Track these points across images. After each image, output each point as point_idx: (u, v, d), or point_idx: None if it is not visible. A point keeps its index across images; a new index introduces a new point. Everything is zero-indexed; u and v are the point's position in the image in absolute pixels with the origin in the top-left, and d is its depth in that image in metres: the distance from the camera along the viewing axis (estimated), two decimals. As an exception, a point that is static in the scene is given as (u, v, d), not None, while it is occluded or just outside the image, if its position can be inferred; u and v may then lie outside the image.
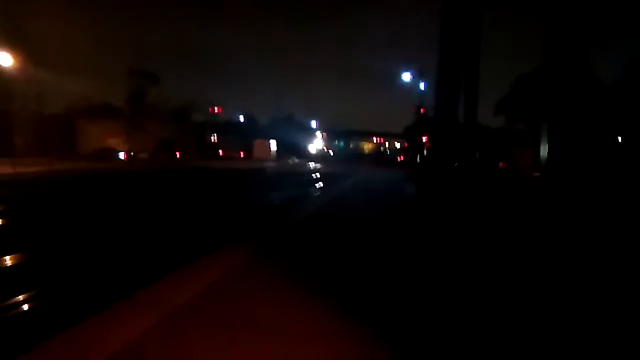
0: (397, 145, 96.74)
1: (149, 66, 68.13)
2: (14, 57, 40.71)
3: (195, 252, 6.79)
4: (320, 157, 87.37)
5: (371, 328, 3.85)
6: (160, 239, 9.28)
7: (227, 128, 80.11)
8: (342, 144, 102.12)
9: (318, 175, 33.07)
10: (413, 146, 43.64)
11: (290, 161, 71.66)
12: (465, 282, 5.41)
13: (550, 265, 6.58)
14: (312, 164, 62.21)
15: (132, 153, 55.69)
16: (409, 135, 51.47)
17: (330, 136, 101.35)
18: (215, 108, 76.11)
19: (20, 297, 5.54)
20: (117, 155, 53.52)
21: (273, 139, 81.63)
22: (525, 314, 4.35)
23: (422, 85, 35.52)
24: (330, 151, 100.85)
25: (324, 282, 5.26)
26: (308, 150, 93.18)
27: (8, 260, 7.15)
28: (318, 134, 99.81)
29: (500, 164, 35.75)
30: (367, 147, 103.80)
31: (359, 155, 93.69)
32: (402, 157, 72.35)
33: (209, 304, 4.39)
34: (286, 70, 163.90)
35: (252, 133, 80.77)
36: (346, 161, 70.00)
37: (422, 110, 37.20)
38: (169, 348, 3.42)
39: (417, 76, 36.07)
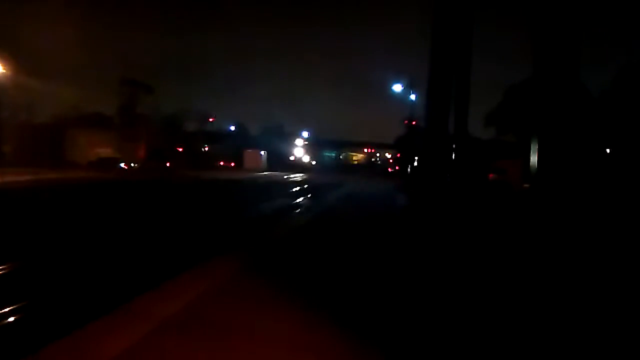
0: (388, 155, 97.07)
1: (141, 76, 67.87)
2: (3, 66, 40.44)
3: (183, 264, 6.74)
4: (300, 167, 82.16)
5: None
6: (151, 250, 9.19)
7: (218, 138, 79.90)
8: (332, 154, 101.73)
9: (301, 187, 32.68)
10: (404, 157, 43.83)
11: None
12: (457, 290, 5.40)
13: (537, 273, 6.59)
14: (291, 175, 56.88)
15: (132, 164, 55.42)
16: (400, 146, 51.72)
17: (314, 145, 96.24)
18: (207, 118, 75.98)
19: (11, 307, 5.46)
20: (119, 165, 53.15)
21: (264, 149, 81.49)
22: (510, 322, 4.35)
23: (412, 96, 35.72)
24: (313, 161, 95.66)
25: (314, 297, 5.23)
26: (288, 160, 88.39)
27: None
28: (299, 141, 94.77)
29: (490, 175, 35.89)
30: (357, 157, 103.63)
31: (349, 165, 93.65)
32: (392, 168, 72.67)
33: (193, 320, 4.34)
34: (277, 80, 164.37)
35: (243, 143, 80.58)
36: (335, 171, 69.17)
37: (413, 122, 37.39)
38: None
39: (408, 87, 36.27)
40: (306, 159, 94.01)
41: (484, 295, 5.35)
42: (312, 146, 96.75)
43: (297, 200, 22.05)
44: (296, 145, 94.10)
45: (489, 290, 5.60)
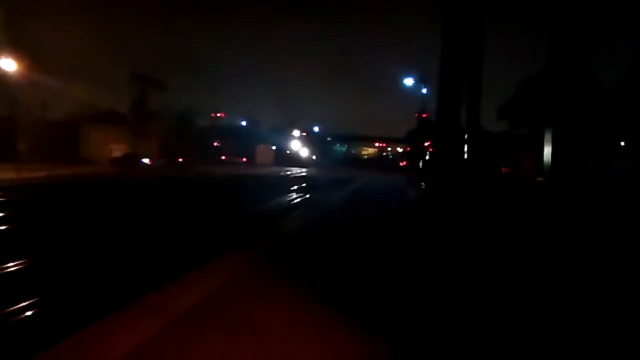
0: (400, 150, 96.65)
1: (153, 72, 68.53)
2: (17, 63, 40.82)
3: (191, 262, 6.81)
4: (298, 162, 75.56)
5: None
6: (158, 247, 9.27)
7: (229, 133, 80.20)
8: (343, 148, 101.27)
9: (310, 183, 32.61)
10: (416, 151, 43.64)
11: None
12: (473, 288, 5.40)
13: (550, 266, 6.55)
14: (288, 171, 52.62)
15: (154, 159, 56.21)
16: (412, 140, 51.49)
17: (316, 137, 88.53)
18: (218, 113, 76.29)
19: (27, 302, 5.56)
20: (142, 161, 53.78)
21: (275, 144, 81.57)
22: (522, 317, 4.33)
23: (424, 90, 35.53)
24: (313, 155, 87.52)
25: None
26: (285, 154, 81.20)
27: (15, 266, 7.18)
28: (296, 132, 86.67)
29: (503, 168, 35.67)
30: (368, 151, 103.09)
31: (360, 159, 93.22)
32: (404, 162, 72.36)
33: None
34: (288, 75, 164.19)
35: (254, 138, 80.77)
36: (345, 166, 68.88)
37: (424, 115, 37.20)
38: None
39: (419, 80, 36.08)
40: (304, 152, 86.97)
41: (493, 290, 5.34)
42: (313, 138, 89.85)
43: (307, 195, 22.08)
44: (293, 137, 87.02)
45: (498, 285, 5.58)
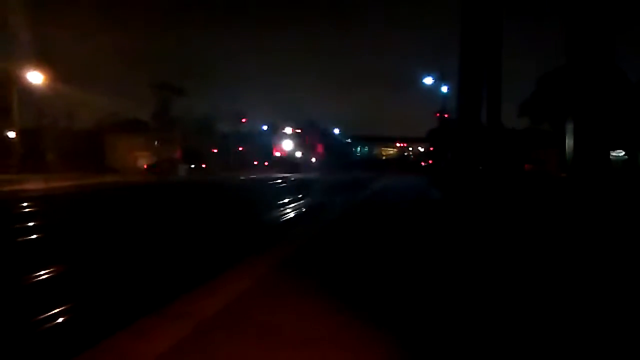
0: (421, 149, 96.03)
1: (174, 79, 69.51)
2: (44, 75, 41.85)
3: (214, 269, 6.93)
4: (290, 165, 63.94)
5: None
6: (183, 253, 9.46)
7: (251, 138, 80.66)
8: (365, 149, 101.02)
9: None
10: (437, 150, 43.34)
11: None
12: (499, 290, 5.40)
13: (571, 263, 6.50)
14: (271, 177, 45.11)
15: (192, 165, 56.91)
16: (433, 139, 51.13)
17: (317, 135, 76.64)
18: (240, 118, 76.73)
19: (58, 310, 5.76)
20: (179, 167, 54.44)
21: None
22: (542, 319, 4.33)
23: (444, 89, 35.30)
24: (313, 157, 75.36)
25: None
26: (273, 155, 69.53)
27: (47, 273, 7.44)
28: (287, 130, 74.17)
29: (526, 165, 35.20)
30: (389, 152, 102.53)
31: (380, 160, 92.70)
32: (425, 161, 71.80)
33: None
34: (307, 77, 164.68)
35: (276, 142, 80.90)
36: (362, 168, 67.73)
37: (445, 114, 36.96)
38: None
39: (439, 79, 35.86)
40: (298, 153, 74.38)
41: (516, 290, 5.34)
42: (312, 136, 76.49)
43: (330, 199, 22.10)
44: (284, 136, 74.19)
45: (521, 287, 5.57)
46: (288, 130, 74.65)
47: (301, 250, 7.91)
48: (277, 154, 73.08)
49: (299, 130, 76.03)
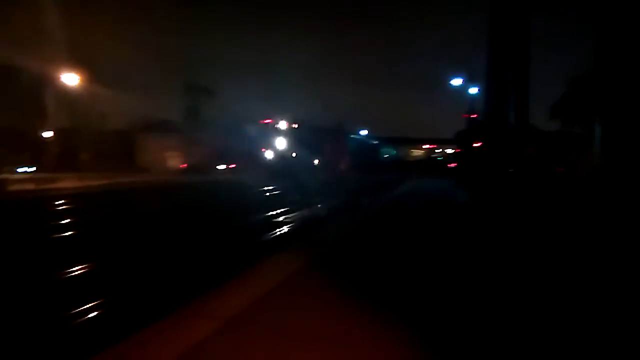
0: (448, 151, 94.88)
1: (204, 81, 70.78)
2: (79, 77, 42.97)
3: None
4: (284, 169, 51.48)
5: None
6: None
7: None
8: (393, 150, 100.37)
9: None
10: (464, 151, 42.85)
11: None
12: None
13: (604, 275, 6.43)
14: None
15: (229, 166, 57.48)
16: (460, 141, 50.53)
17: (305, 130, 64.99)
18: (266, 119, 77.26)
19: (91, 304, 6.02)
20: (217, 168, 54.94)
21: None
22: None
23: (472, 90, 34.92)
24: (315, 159, 65.96)
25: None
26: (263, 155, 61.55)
27: (81, 269, 7.76)
28: (282, 124, 63.57)
29: (557, 168, 34.51)
30: (416, 153, 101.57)
31: (406, 162, 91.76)
32: (453, 163, 70.84)
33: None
34: (335, 78, 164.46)
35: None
36: (393, 169, 67.26)
37: (473, 115, 36.52)
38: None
39: (468, 80, 35.50)
40: (293, 153, 62.90)
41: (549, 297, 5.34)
42: (300, 130, 64.68)
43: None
44: (278, 131, 63.40)
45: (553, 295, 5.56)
46: (282, 124, 63.79)
47: (333, 246, 8.06)
48: (267, 154, 63.68)
49: (296, 125, 65.03)
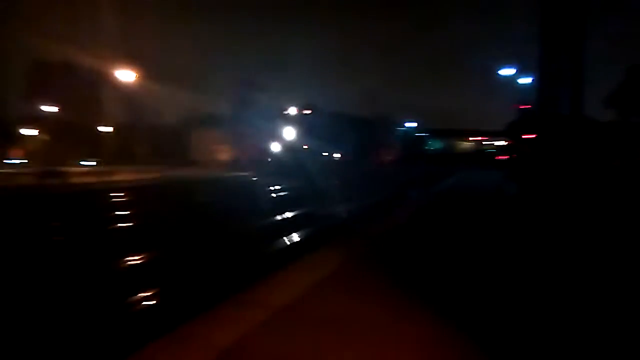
0: (498, 143, 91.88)
1: (251, 75, 71.85)
2: (135, 73, 44.62)
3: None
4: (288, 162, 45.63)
5: None
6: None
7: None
8: (440, 143, 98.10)
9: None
10: (515, 144, 41.61)
11: None
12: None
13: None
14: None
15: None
16: (511, 133, 49.05)
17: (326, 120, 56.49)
18: (306, 109, 77.16)
19: (144, 294, 6.33)
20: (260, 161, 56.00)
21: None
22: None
23: (523, 80, 33.86)
24: (325, 151, 57.84)
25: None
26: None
27: (135, 260, 8.25)
28: (292, 110, 56.54)
29: (616, 161, 33.00)
30: (464, 145, 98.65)
31: (456, 154, 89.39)
32: (503, 156, 68.51)
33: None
34: (384, 71, 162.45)
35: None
36: (440, 162, 65.23)
37: (525, 106, 35.43)
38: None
39: (519, 70, 34.44)
40: (291, 144, 55.17)
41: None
42: (312, 118, 56.26)
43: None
44: (285, 119, 55.74)
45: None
46: (292, 111, 55.95)
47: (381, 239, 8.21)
48: (272, 146, 57.67)
49: (308, 111, 56.99)
